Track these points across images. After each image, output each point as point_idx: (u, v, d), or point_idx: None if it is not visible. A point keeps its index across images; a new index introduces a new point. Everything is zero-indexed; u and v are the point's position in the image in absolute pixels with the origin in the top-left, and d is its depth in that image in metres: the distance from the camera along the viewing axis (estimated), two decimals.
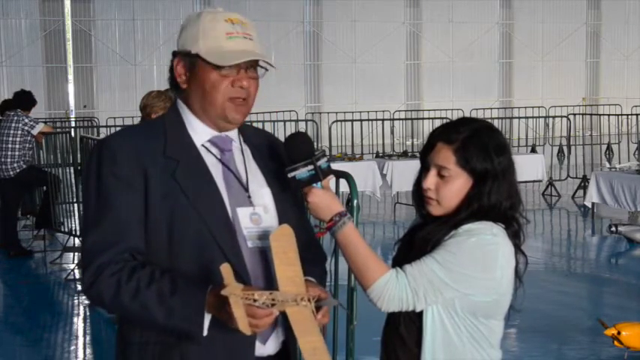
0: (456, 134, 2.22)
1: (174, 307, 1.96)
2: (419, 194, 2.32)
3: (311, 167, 2.12)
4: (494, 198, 2.22)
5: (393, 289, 2.16)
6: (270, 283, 2.06)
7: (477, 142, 2.21)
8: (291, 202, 2.22)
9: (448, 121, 2.42)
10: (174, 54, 2.16)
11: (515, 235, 2.26)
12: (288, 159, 2.14)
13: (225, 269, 1.88)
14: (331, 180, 2.21)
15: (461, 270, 2.15)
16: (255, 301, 1.89)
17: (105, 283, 1.99)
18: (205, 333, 1.97)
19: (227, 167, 2.15)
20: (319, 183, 2.15)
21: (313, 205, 2.16)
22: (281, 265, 1.98)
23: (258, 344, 2.12)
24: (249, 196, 2.15)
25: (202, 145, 2.15)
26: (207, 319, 1.97)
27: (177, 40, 2.16)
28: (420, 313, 2.20)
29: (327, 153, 2.34)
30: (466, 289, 2.17)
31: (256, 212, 2.13)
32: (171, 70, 2.17)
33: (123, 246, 2.02)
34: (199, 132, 2.15)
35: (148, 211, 2.04)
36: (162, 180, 2.05)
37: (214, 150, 2.15)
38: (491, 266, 2.18)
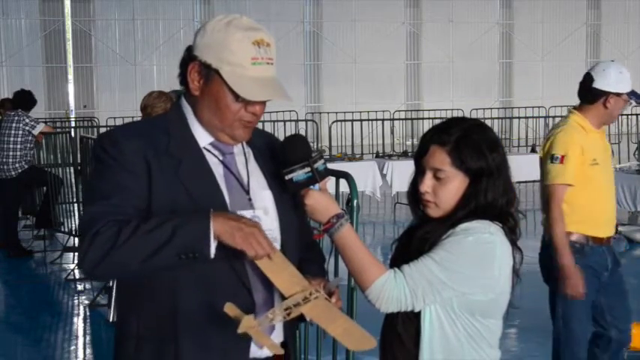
0: (448, 136, 2.23)
1: (178, 225, 1.92)
2: (414, 196, 2.33)
3: (308, 169, 2.12)
4: (491, 195, 2.23)
5: (391, 290, 2.16)
6: (270, 284, 2.06)
7: (469, 142, 2.22)
8: (292, 204, 2.22)
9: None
10: (191, 56, 2.10)
11: (512, 231, 2.27)
12: (285, 161, 2.14)
13: (230, 309, 1.90)
14: (329, 182, 2.22)
15: (459, 269, 2.15)
16: (271, 320, 1.92)
17: (101, 240, 1.94)
18: (213, 254, 1.93)
19: (228, 169, 2.15)
20: (316, 185, 2.15)
21: (310, 207, 2.16)
22: (274, 274, 2.00)
23: (255, 348, 2.12)
24: (249, 199, 2.15)
25: (204, 147, 2.14)
26: (213, 239, 1.92)
27: (196, 40, 2.09)
28: (418, 313, 2.20)
29: (325, 155, 2.35)
30: (464, 288, 2.17)
31: (256, 215, 2.12)
32: (183, 66, 2.13)
33: (126, 217, 1.98)
34: (202, 135, 2.14)
35: (149, 206, 2.03)
36: (164, 177, 2.04)
37: (216, 152, 2.15)
38: (489, 265, 2.19)
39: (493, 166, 2.23)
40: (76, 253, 8.76)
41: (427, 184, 2.25)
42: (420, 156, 2.29)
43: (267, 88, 2.06)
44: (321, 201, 2.16)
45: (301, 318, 2.14)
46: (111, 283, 6.57)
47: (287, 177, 2.12)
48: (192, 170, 2.08)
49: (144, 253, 1.92)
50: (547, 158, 4.05)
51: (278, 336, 2.19)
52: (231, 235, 1.91)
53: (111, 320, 6.35)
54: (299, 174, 2.12)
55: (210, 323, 2.02)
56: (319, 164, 2.14)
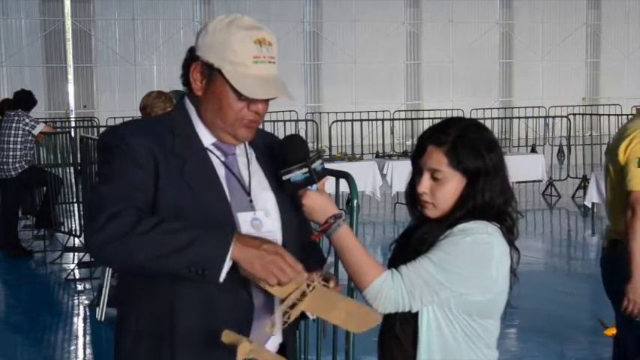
0: (445, 136, 2.23)
1: (199, 237, 1.90)
2: (412, 197, 2.33)
3: (305, 170, 2.12)
4: (488, 195, 2.23)
5: (388, 291, 2.16)
6: None
7: (467, 142, 2.22)
8: (292, 205, 2.21)
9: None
10: (194, 56, 2.10)
11: (510, 231, 2.27)
12: (282, 161, 2.14)
13: (226, 336, 1.89)
14: (327, 182, 2.21)
15: (456, 270, 2.16)
16: (271, 332, 1.94)
17: (122, 221, 1.91)
18: (222, 279, 1.91)
19: (230, 170, 2.15)
20: (314, 185, 2.15)
21: (308, 207, 2.16)
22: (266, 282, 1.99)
23: None
24: (250, 201, 2.15)
25: (207, 148, 2.15)
26: (228, 262, 1.92)
27: (198, 40, 2.10)
28: (416, 314, 2.20)
29: (323, 155, 2.35)
30: (462, 288, 2.17)
31: (257, 217, 2.13)
32: (185, 67, 2.13)
33: (140, 205, 1.97)
34: (205, 135, 2.15)
35: (156, 204, 2.03)
36: (171, 176, 2.05)
37: (218, 153, 2.16)
38: (487, 265, 2.19)
39: (490, 165, 2.23)
40: (76, 253, 8.77)
41: (425, 184, 2.25)
42: (417, 156, 2.29)
43: (270, 87, 2.07)
44: (318, 201, 2.16)
45: (302, 316, 2.15)
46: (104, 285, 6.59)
47: (284, 177, 2.12)
48: (197, 170, 2.09)
49: (156, 251, 1.90)
50: (630, 162, 3.70)
51: (277, 337, 2.19)
52: (251, 263, 1.91)
53: (99, 319, 6.36)
54: (296, 174, 2.12)
55: (208, 322, 2.02)
56: (317, 164, 2.14)
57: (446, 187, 2.23)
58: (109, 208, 1.93)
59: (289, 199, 2.20)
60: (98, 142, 2.20)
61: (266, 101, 2.11)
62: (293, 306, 1.98)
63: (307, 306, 1.98)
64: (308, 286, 1.99)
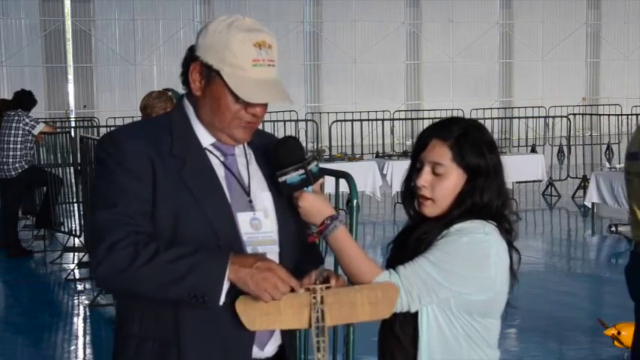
0: (449, 132, 2.24)
1: (196, 264, 1.94)
2: (410, 194, 2.33)
3: (302, 172, 2.12)
4: (487, 196, 2.24)
5: None
6: None
7: (470, 139, 2.24)
8: (291, 207, 2.21)
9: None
10: (193, 56, 2.10)
11: (507, 233, 2.27)
12: (278, 164, 2.14)
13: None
14: (323, 182, 2.22)
15: (454, 269, 2.16)
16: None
17: (120, 254, 1.95)
18: (222, 302, 1.95)
19: (229, 170, 2.15)
20: (310, 187, 2.15)
21: (304, 209, 2.16)
22: (279, 319, 2.00)
23: (256, 349, 2.13)
24: (250, 201, 2.15)
25: (206, 148, 2.14)
26: (226, 285, 1.95)
27: (198, 40, 2.10)
28: (416, 314, 2.20)
29: (325, 155, 2.35)
30: (460, 288, 2.17)
31: (256, 217, 2.13)
32: (185, 66, 2.13)
33: (138, 228, 2.00)
34: (204, 136, 2.15)
35: (155, 207, 2.03)
36: (168, 177, 2.05)
37: (217, 153, 2.16)
38: (485, 265, 2.19)
39: (490, 165, 2.25)
40: (76, 253, 8.77)
41: (425, 178, 2.25)
42: (418, 151, 2.29)
43: (268, 90, 2.07)
44: (314, 203, 2.16)
45: None
46: None
47: (280, 179, 2.13)
48: (196, 170, 2.09)
49: (156, 282, 1.96)
50: None
51: (276, 339, 2.19)
52: (245, 282, 1.94)
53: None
54: (293, 176, 2.12)
55: (213, 324, 2.02)
56: (313, 166, 2.14)
57: (446, 183, 2.24)
58: (108, 239, 1.96)
59: (287, 200, 2.20)
60: (96, 147, 2.19)
61: (264, 104, 2.11)
62: (322, 332, 1.97)
63: (331, 320, 1.98)
64: (314, 298, 1.98)
